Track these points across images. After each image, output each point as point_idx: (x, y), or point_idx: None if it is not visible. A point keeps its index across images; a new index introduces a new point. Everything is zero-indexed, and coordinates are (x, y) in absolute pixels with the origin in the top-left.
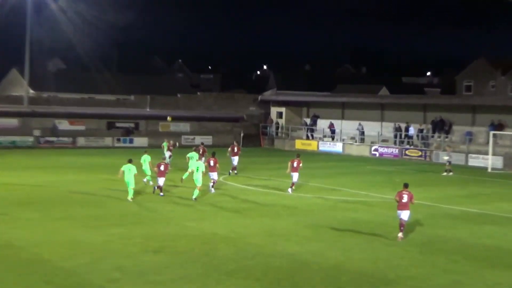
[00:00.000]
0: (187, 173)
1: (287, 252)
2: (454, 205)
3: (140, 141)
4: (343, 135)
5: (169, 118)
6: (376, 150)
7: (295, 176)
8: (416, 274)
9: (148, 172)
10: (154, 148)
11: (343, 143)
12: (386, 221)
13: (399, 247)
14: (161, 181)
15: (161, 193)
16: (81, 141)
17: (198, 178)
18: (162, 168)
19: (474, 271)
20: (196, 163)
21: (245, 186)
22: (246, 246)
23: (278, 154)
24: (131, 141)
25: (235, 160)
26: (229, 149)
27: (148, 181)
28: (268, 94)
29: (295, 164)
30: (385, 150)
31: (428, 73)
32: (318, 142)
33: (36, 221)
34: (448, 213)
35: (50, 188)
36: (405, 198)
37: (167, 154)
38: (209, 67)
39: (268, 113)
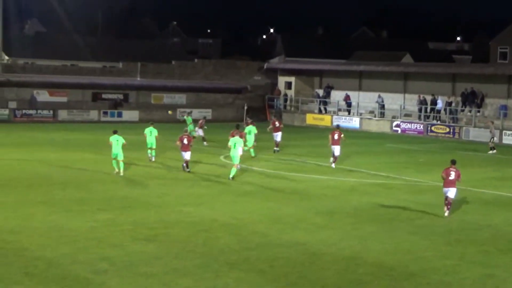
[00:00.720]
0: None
1: (296, 241)
2: (487, 188)
3: (129, 114)
4: (361, 108)
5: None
6: (398, 126)
7: (337, 149)
8: (441, 267)
9: (153, 145)
10: (145, 123)
11: (361, 118)
12: (408, 207)
13: (423, 236)
14: (187, 155)
15: (188, 169)
16: (62, 114)
17: (236, 156)
18: (185, 141)
19: (508, 263)
20: (234, 139)
21: (249, 167)
22: (250, 235)
23: (286, 130)
24: (119, 115)
25: (278, 136)
26: (270, 125)
27: (152, 156)
28: (275, 62)
29: (335, 137)
30: (408, 126)
31: (458, 38)
32: (332, 116)
33: (12, 205)
34: (479, 197)
35: (28, 167)
36: (452, 175)
37: (199, 132)
38: (208, 31)
39: (275, 84)
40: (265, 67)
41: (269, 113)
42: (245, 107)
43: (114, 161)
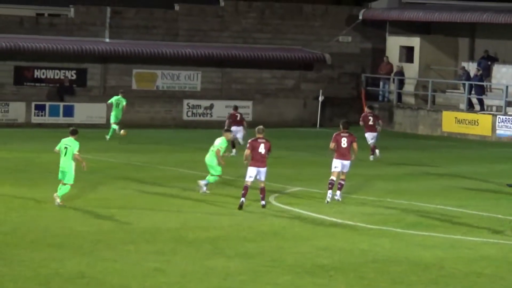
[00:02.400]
0: None
1: None
2: None
3: (87, 111)
4: None
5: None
6: None
7: None
8: None
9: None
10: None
11: None
12: None
13: None
14: (261, 173)
15: (243, 203)
16: None
17: None
18: (262, 149)
19: None
20: None
21: (328, 218)
22: None
23: (404, 144)
24: (68, 112)
25: (373, 137)
26: (360, 121)
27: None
28: (381, 8)
29: None
30: None
31: None
32: (494, 118)
33: None
34: None
35: None
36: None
37: (239, 134)
38: None
39: (382, 50)
40: (360, 17)
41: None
42: (320, 98)
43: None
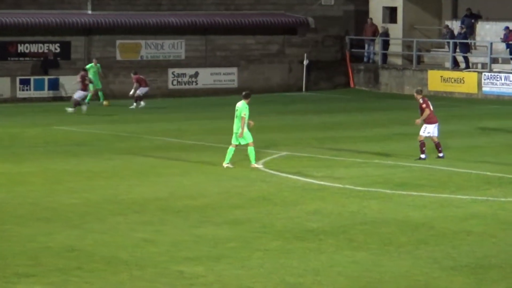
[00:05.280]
0: None
1: None
2: None
3: (73, 83)
4: None
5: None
6: None
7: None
8: None
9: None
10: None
11: None
12: None
13: None
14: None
15: None
16: None
17: None
18: (431, 106)
19: None
20: None
21: (316, 182)
22: None
23: (390, 104)
24: (52, 85)
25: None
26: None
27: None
28: None
29: None
30: None
31: None
32: (480, 76)
33: None
34: None
35: None
36: None
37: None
38: None
39: (365, 12)
40: None
41: (353, 72)
42: (305, 62)
43: (231, 149)
